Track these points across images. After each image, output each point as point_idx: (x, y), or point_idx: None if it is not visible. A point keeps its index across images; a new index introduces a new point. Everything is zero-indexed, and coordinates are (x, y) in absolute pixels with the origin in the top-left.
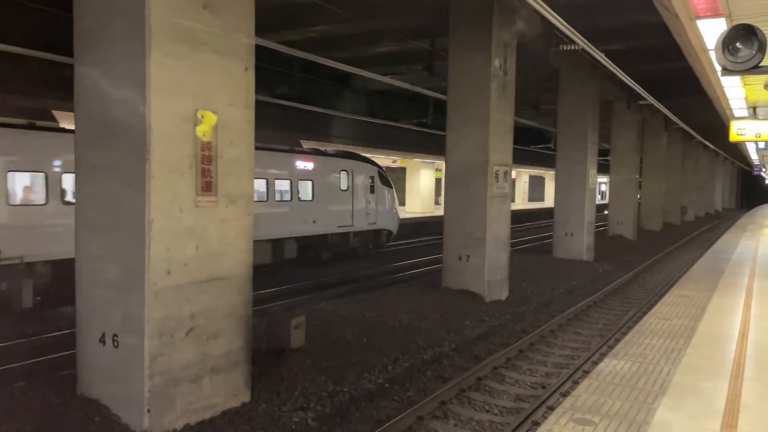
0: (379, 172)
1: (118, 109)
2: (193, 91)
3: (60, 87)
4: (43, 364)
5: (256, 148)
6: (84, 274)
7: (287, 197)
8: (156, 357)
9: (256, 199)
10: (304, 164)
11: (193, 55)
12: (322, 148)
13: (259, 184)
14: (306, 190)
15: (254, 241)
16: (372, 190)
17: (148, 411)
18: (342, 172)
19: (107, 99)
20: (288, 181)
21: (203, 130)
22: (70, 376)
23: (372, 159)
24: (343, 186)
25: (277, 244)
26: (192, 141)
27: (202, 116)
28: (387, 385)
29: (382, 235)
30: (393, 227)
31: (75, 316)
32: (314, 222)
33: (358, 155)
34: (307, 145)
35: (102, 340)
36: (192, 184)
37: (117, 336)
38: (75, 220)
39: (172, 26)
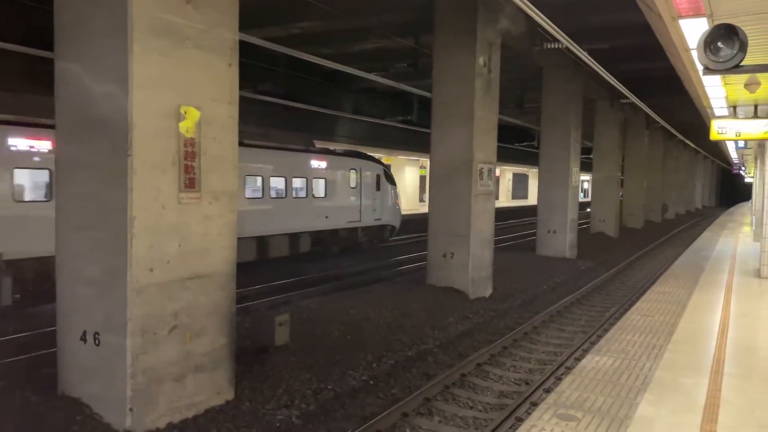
0: (384, 170)
1: (100, 105)
2: (176, 86)
3: None
4: (23, 362)
5: (277, 148)
6: (65, 272)
7: (303, 194)
8: (138, 355)
9: (274, 195)
10: (318, 163)
11: (176, 51)
12: (331, 148)
13: (279, 182)
14: (319, 187)
15: (274, 235)
16: (378, 187)
17: (131, 410)
18: (351, 171)
19: (89, 94)
20: (304, 179)
21: (186, 126)
22: (50, 374)
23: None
24: (353, 184)
25: (294, 237)
26: (175, 137)
27: (185, 112)
28: (371, 382)
29: (386, 230)
30: (396, 223)
31: (56, 314)
32: (326, 217)
33: (365, 154)
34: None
35: (83, 339)
36: (175, 181)
37: (99, 334)
38: (56, 217)
39: (155, 21)
